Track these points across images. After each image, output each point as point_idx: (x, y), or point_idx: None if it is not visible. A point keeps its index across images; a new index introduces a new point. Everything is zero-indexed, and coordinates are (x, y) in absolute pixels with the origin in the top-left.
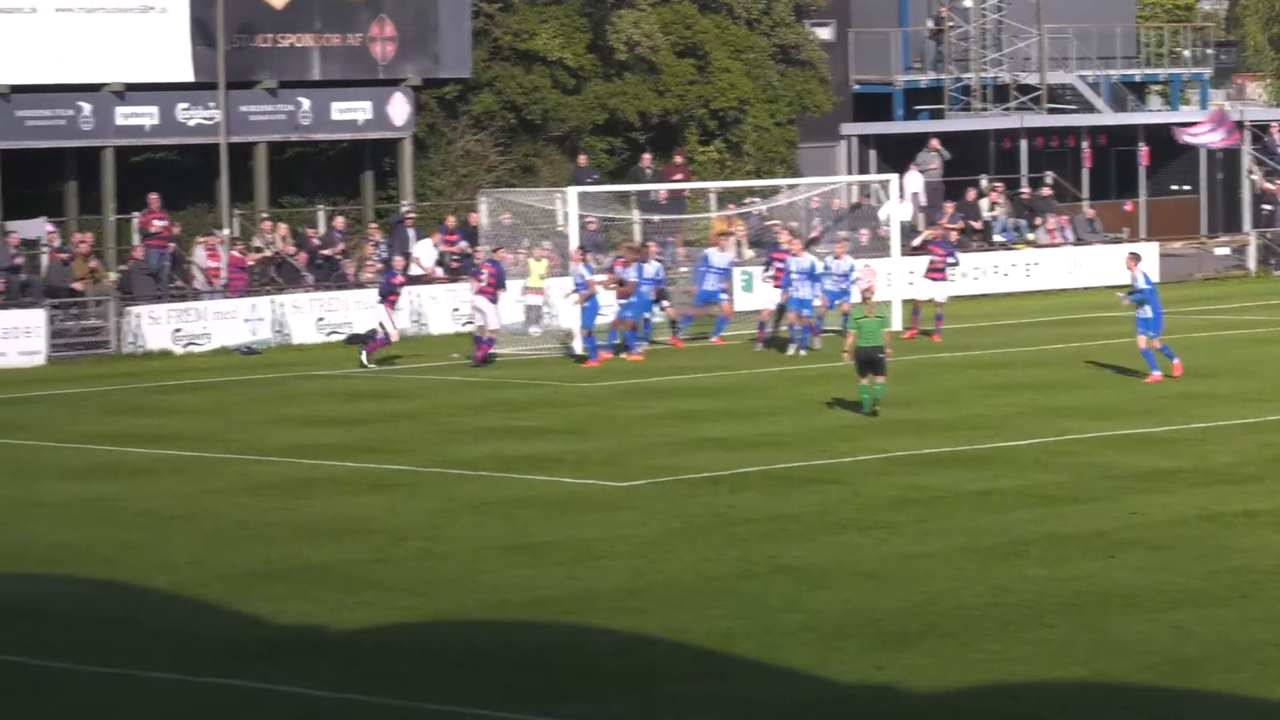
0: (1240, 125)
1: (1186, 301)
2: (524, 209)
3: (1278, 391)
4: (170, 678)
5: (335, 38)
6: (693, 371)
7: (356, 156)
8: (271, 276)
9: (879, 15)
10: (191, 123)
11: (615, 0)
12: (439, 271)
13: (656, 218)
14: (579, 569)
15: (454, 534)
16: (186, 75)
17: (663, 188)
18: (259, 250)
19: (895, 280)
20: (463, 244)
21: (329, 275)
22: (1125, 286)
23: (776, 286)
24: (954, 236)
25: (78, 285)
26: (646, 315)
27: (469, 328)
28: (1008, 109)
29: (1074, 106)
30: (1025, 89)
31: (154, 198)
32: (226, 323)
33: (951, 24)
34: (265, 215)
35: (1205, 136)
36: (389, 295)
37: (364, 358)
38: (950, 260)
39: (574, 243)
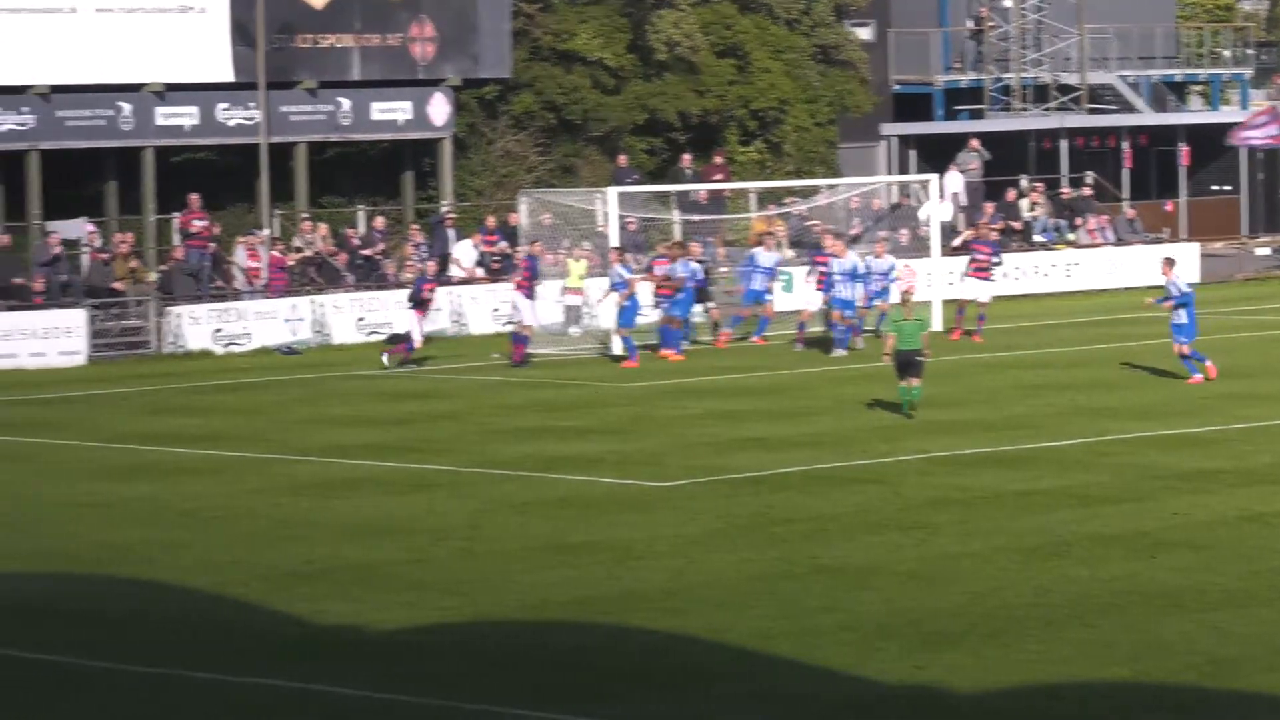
0: None
1: (1227, 302)
2: (564, 209)
3: None
4: (211, 677)
5: (375, 38)
6: (733, 371)
7: (396, 157)
8: (312, 277)
9: (919, 15)
10: (231, 123)
11: (655, 0)
12: (479, 272)
13: (696, 218)
14: (619, 569)
15: (494, 534)
16: (226, 75)
17: (702, 188)
18: (299, 250)
19: (935, 281)
20: (503, 244)
21: (369, 275)
22: (1160, 289)
23: (819, 289)
24: (994, 236)
25: (118, 285)
26: (687, 315)
27: (508, 328)
28: (1048, 109)
29: (1114, 107)
30: (1065, 89)
31: (194, 198)
32: (267, 323)
33: (992, 24)
34: (305, 215)
35: (1260, 132)
36: (419, 305)
37: (385, 358)
38: (995, 260)
39: (614, 243)
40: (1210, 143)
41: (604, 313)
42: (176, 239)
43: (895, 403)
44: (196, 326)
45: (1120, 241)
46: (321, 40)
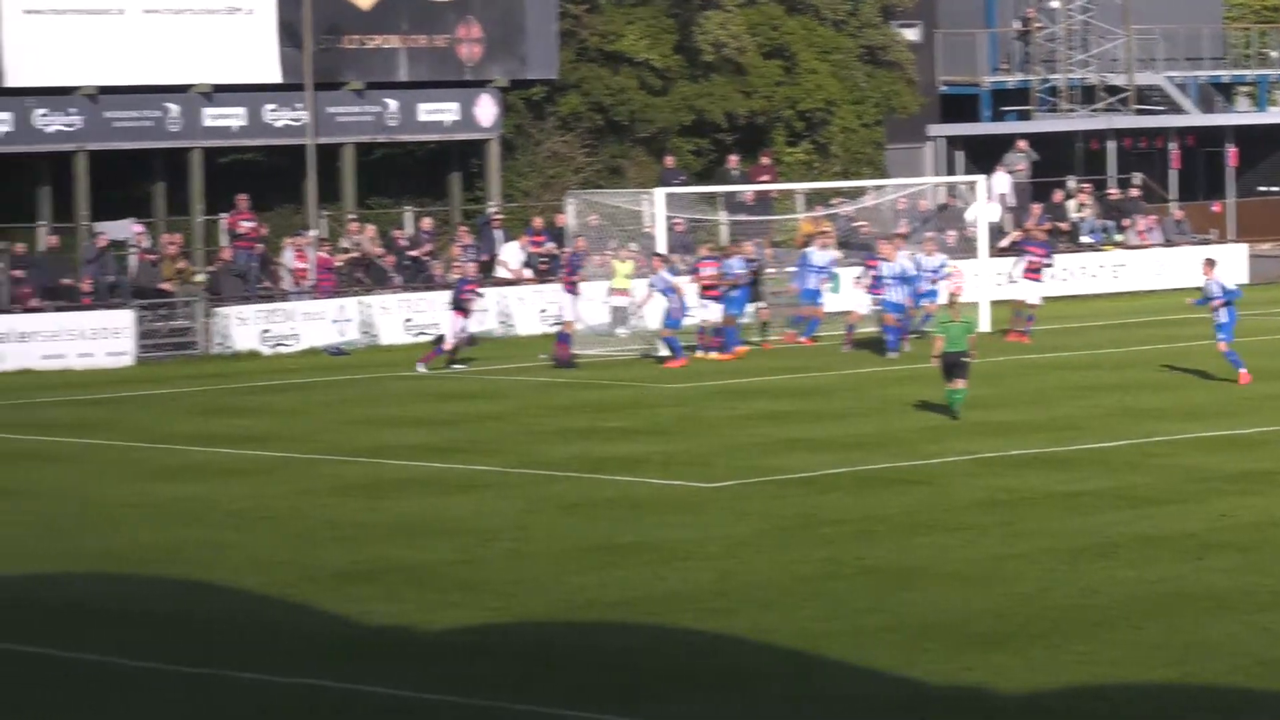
0: None
1: (1275, 302)
2: (611, 210)
3: None
4: (259, 678)
5: (422, 39)
6: (780, 373)
7: (443, 158)
8: (359, 278)
9: (966, 16)
10: (279, 124)
11: (702, 1)
12: (527, 273)
13: (744, 219)
14: (666, 570)
15: (541, 535)
16: (274, 76)
17: (749, 189)
18: (347, 251)
19: (982, 281)
20: (550, 245)
21: (416, 276)
22: (1199, 290)
23: (870, 292)
24: (1041, 235)
25: (166, 286)
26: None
27: (555, 328)
28: (1095, 110)
29: (1161, 107)
30: (1113, 90)
31: (242, 199)
32: (314, 324)
33: (1039, 25)
34: (353, 216)
35: None
36: (459, 307)
37: (421, 367)
38: (1047, 262)
39: (661, 243)
40: (1258, 144)
41: (650, 314)
42: (224, 240)
43: (942, 404)
44: (244, 327)
45: (1168, 243)
46: (368, 41)
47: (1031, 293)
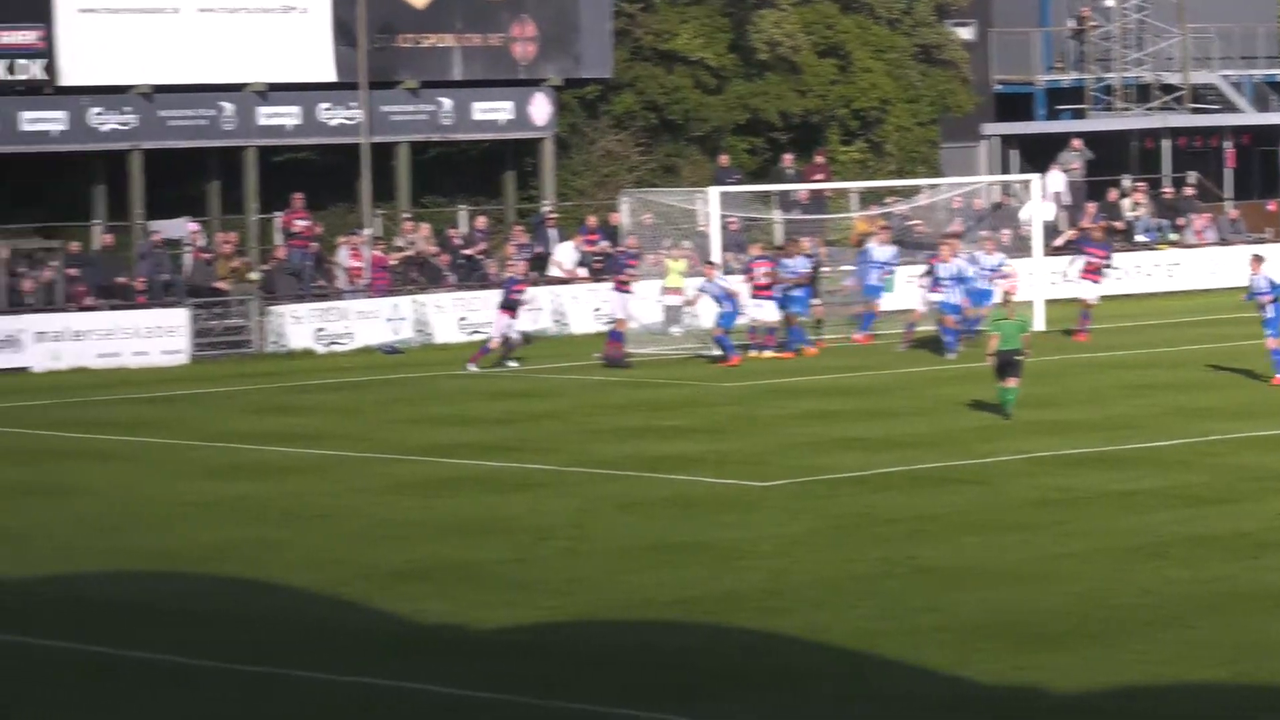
0: None
1: None
2: (665, 209)
3: None
4: (312, 676)
5: (476, 38)
6: (833, 372)
7: (498, 156)
8: (413, 276)
9: (1020, 15)
10: (333, 123)
11: (756, 0)
12: (581, 272)
13: (798, 217)
14: (721, 569)
15: (596, 534)
16: (328, 75)
17: (804, 188)
18: (401, 250)
19: (1037, 280)
20: (604, 244)
21: (470, 275)
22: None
23: (931, 290)
24: (1100, 236)
25: (221, 285)
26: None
27: (608, 327)
28: (1150, 109)
29: (1217, 106)
30: (1168, 89)
31: (298, 197)
32: (369, 322)
33: (1093, 23)
34: (407, 215)
35: None
36: (508, 306)
37: (472, 366)
38: (1107, 263)
39: (715, 248)
40: None
41: (703, 312)
42: (279, 238)
43: (996, 403)
44: (299, 326)
45: (1223, 241)
46: (423, 40)
47: (1090, 292)
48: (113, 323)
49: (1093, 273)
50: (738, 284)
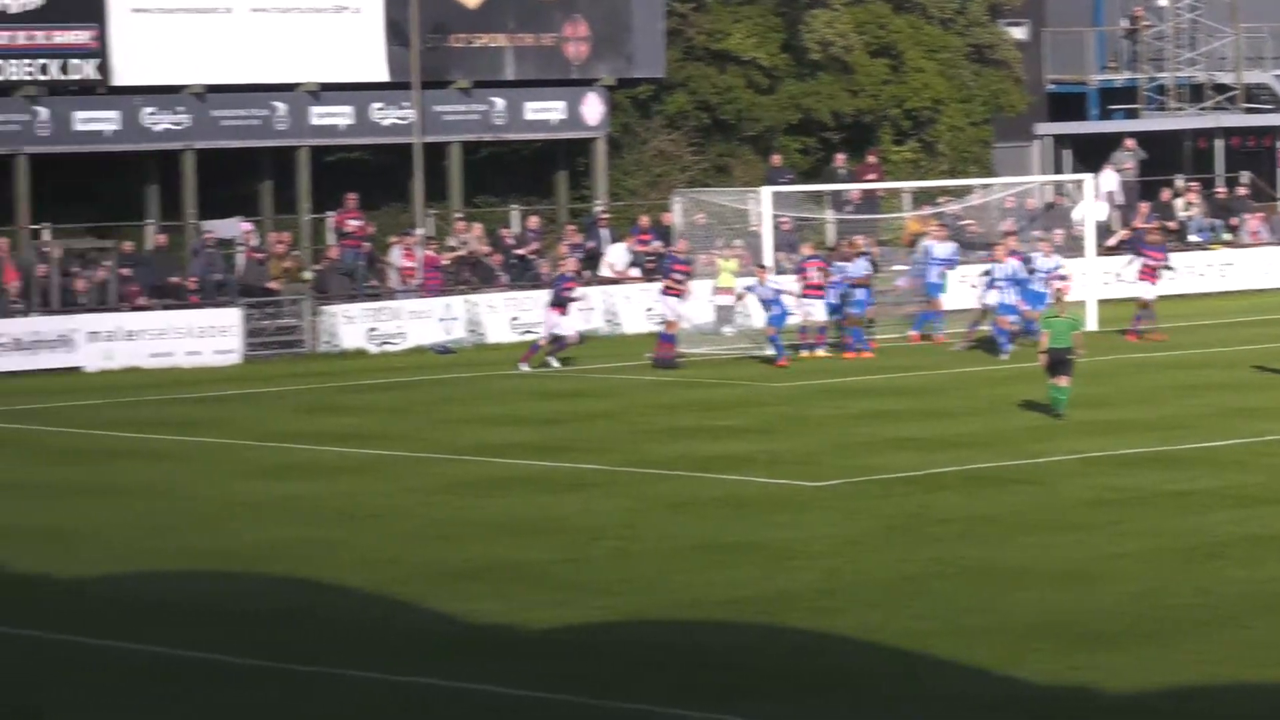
0: None
1: None
2: (718, 209)
3: None
4: (366, 676)
5: (529, 38)
6: (886, 371)
7: (550, 156)
8: (466, 276)
9: (1074, 14)
10: (386, 122)
11: (809, 0)
12: (634, 272)
13: (850, 217)
14: (773, 569)
15: (648, 534)
16: (381, 75)
17: (856, 188)
18: (453, 250)
19: (1090, 281)
20: (656, 244)
21: (523, 275)
22: None
23: (988, 291)
24: (1158, 238)
25: (273, 284)
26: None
27: (660, 327)
28: (1203, 108)
29: (1270, 106)
30: (1221, 88)
31: (351, 197)
32: (421, 322)
33: (1146, 23)
34: (459, 215)
35: None
36: (559, 304)
37: (524, 366)
38: (1165, 264)
39: (766, 251)
40: None
41: (754, 312)
42: (331, 238)
43: (1048, 403)
44: (351, 325)
45: (1276, 241)
46: (475, 40)
47: (1147, 293)
48: (165, 322)
49: (1149, 274)
50: (790, 284)
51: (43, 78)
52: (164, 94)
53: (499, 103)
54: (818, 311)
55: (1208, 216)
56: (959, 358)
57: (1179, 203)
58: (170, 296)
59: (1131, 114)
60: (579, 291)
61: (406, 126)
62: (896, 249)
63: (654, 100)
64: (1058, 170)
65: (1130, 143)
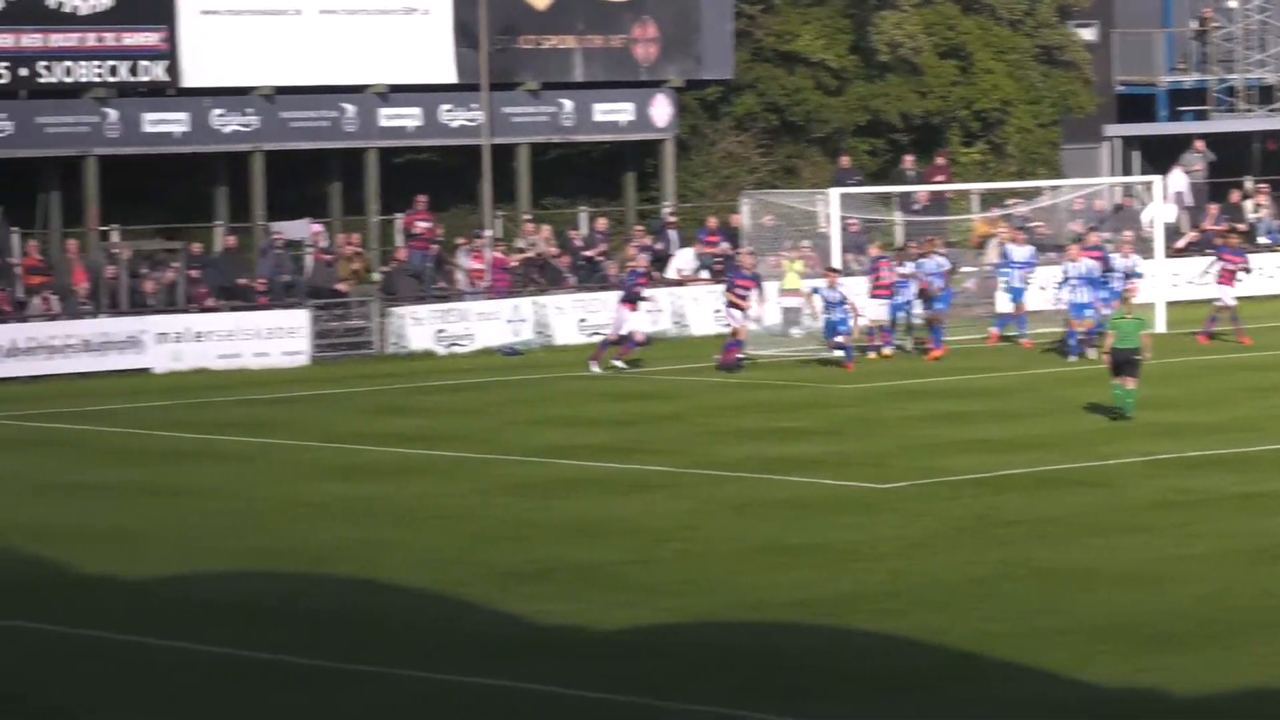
0: None
1: None
2: (786, 210)
3: None
4: (431, 676)
5: (597, 39)
6: (953, 373)
7: (618, 158)
8: (534, 278)
9: (1143, 16)
10: (454, 124)
11: (878, 1)
12: (702, 274)
13: (918, 218)
14: (839, 570)
15: (714, 535)
16: (449, 77)
17: (924, 189)
18: (522, 251)
19: (1159, 282)
20: (724, 245)
21: (591, 276)
22: None
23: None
24: (1236, 242)
25: (341, 286)
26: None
27: (728, 329)
28: (1273, 110)
29: None
30: None
31: (421, 199)
32: (489, 324)
33: (1216, 24)
34: (528, 216)
35: None
36: (631, 299)
37: (594, 366)
38: (1245, 267)
39: (836, 244)
40: None
41: (819, 313)
42: (399, 240)
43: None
44: (419, 327)
45: None
46: (544, 41)
47: (1227, 296)
48: (234, 324)
49: (1229, 278)
50: (860, 285)
51: (112, 79)
52: (233, 95)
53: (567, 104)
54: (880, 311)
55: (1277, 218)
56: (1029, 359)
57: (1248, 204)
58: (239, 298)
59: (1201, 115)
60: (648, 291)
61: (475, 128)
62: (965, 250)
63: (722, 102)
64: (1126, 172)
65: (1199, 144)
